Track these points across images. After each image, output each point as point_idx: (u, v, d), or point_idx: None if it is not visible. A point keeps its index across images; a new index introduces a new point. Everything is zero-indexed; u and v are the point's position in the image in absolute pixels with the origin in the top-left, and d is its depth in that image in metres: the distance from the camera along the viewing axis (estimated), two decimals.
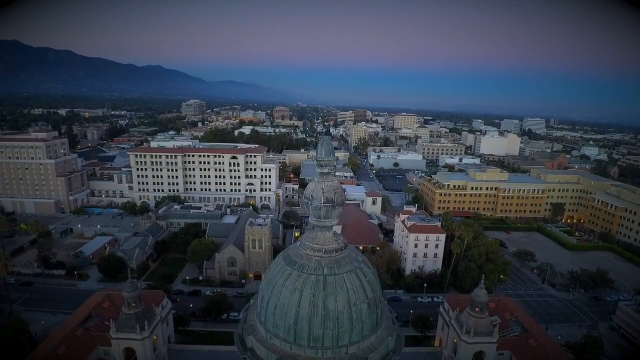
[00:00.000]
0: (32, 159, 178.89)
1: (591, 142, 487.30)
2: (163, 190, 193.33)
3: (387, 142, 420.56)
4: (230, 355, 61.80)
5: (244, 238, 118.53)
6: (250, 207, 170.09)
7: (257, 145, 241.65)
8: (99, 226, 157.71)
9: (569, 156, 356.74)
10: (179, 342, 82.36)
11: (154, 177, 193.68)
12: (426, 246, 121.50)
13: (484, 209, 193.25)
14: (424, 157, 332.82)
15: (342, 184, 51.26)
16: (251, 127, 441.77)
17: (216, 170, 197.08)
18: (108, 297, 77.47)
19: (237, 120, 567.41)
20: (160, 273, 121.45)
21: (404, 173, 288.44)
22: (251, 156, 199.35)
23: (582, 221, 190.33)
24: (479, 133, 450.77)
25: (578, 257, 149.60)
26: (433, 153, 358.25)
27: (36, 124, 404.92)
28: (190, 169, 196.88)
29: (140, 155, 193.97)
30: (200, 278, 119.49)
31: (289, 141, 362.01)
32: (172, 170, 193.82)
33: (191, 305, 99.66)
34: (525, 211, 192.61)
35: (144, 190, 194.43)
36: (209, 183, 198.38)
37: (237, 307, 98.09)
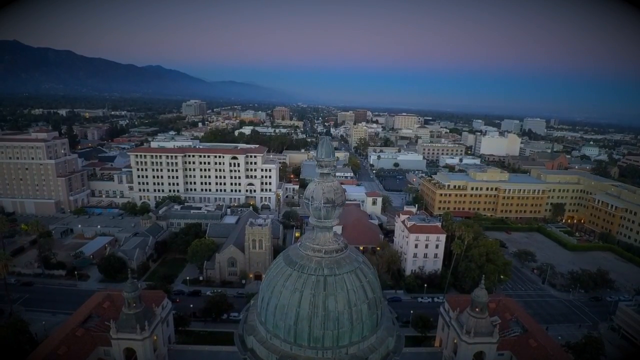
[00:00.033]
0: (32, 159, 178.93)
1: (591, 142, 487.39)
2: (163, 190, 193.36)
3: (387, 142, 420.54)
4: (230, 355, 61.87)
5: (244, 238, 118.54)
6: (250, 207, 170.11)
7: (257, 146, 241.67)
8: (99, 226, 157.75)
9: (569, 156, 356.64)
10: (179, 342, 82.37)
11: (154, 177, 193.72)
12: (426, 246, 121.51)
13: (484, 209, 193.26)
14: (424, 157, 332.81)
15: (342, 184, 51.30)
16: (251, 127, 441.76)
17: (216, 170, 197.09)
18: (108, 297, 77.48)
19: (237, 120, 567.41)
20: (160, 273, 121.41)
21: (404, 173, 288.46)
22: (251, 156, 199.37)
23: (582, 221, 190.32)
24: (479, 133, 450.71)
25: (578, 257, 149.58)
26: (433, 153, 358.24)
27: (36, 124, 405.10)
28: (190, 169, 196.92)
29: (140, 155, 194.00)
30: (200, 278, 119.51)
31: (289, 141, 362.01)
32: (172, 170, 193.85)
33: (191, 305, 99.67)
34: (525, 211, 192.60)
35: (144, 190, 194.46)
36: (209, 183, 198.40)
37: (237, 307, 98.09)
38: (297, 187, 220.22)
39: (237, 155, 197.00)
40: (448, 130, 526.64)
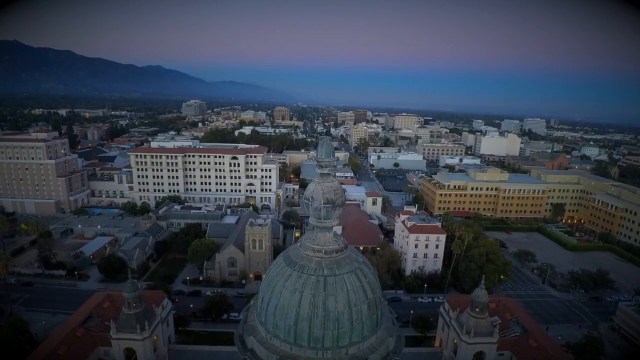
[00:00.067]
0: (32, 159, 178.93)
1: (591, 142, 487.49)
2: (163, 191, 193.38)
3: (387, 142, 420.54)
4: (230, 355, 61.88)
5: (244, 238, 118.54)
6: (251, 207, 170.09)
7: (257, 146, 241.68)
8: (99, 226, 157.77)
9: (569, 156, 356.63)
10: (179, 342, 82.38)
11: (154, 177, 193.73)
12: (426, 246, 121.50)
13: (484, 209, 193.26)
14: (424, 157, 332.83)
15: (342, 184, 51.28)
16: (251, 127, 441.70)
17: (216, 170, 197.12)
18: (108, 297, 77.48)
19: (237, 120, 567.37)
20: (160, 273, 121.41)
21: (404, 173, 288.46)
22: (251, 156, 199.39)
23: (582, 221, 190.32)
24: (479, 133, 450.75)
25: (578, 257, 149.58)
26: (433, 153, 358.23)
27: (36, 124, 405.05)
28: (190, 169, 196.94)
29: (141, 156, 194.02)
30: (200, 278, 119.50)
31: (289, 141, 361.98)
32: (172, 170, 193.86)
33: (191, 305, 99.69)
34: (525, 211, 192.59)
35: (144, 190, 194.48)
36: (209, 183, 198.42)
37: (237, 307, 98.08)
38: (297, 187, 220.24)
39: (237, 155, 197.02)
40: (448, 130, 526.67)
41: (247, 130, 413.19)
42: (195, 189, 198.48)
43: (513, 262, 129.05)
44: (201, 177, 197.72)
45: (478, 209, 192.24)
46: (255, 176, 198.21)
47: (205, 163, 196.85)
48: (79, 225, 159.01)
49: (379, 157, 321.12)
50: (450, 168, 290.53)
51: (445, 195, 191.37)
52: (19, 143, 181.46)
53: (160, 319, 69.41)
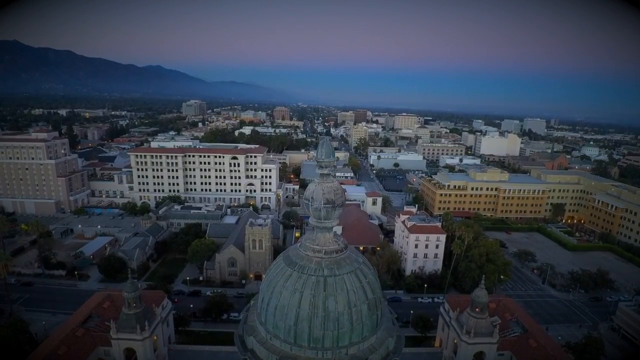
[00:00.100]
0: (33, 159, 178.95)
1: (591, 142, 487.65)
2: (163, 191, 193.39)
3: (387, 143, 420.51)
4: (230, 355, 61.91)
5: (244, 238, 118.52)
6: (251, 207, 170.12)
7: (257, 146, 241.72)
8: (99, 226, 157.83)
9: (569, 156, 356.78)
10: (179, 342, 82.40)
11: (154, 177, 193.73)
12: (426, 246, 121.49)
13: (484, 209, 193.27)
14: (424, 157, 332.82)
15: (342, 184, 51.29)
16: (251, 127, 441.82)
17: (216, 170, 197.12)
18: (108, 297, 77.51)
19: (237, 121, 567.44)
20: (160, 273, 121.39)
21: (404, 173, 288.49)
22: (251, 156, 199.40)
23: (582, 221, 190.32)
24: (479, 133, 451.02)
25: (578, 257, 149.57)
26: (433, 153, 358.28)
27: (36, 124, 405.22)
28: (190, 169, 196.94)
29: (141, 156, 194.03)
30: (200, 278, 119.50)
31: (289, 141, 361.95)
32: (172, 170, 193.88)
33: (191, 306, 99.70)
34: (525, 211, 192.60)
35: (144, 190, 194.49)
36: (209, 183, 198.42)
37: (237, 307, 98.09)
38: (297, 187, 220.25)
39: (237, 156, 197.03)
40: (448, 131, 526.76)
41: (247, 130, 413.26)
42: (195, 189, 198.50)
43: (513, 262, 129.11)
44: (201, 177, 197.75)
45: (478, 209, 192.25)
46: (255, 176, 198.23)
47: (205, 163, 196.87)
48: (79, 225, 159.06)
49: (379, 157, 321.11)
50: (450, 168, 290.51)
51: (445, 195, 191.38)
52: (19, 143, 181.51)
53: (160, 319, 69.44)
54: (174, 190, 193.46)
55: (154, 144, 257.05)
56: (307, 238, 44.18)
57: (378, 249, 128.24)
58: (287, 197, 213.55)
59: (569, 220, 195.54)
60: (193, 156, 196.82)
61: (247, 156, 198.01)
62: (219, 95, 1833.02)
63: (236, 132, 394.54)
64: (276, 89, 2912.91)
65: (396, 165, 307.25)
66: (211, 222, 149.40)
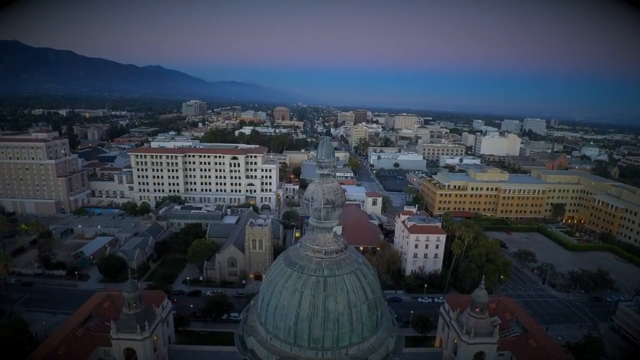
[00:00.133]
0: (33, 159, 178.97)
1: (591, 143, 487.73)
2: (163, 191, 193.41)
3: (387, 143, 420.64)
4: (231, 355, 61.88)
5: (244, 238, 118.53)
6: (251, 207, 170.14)
7: (257, 146, 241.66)
8: (99, 226, 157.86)
9: (569, 156, 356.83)
10: (179, 342, 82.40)
11: (154, 177, 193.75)
12: (426, 246, 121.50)
13: (484, 209, 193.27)
14: (424, 158, 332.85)
15: (342, 184, 51.33)
16: (251, 127, 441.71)
17: (216, 170, 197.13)
18: (108, 297, 77.52)
19: (238, 121, 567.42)
20: (160, 273, 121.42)
21: (404, 173, 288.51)
22: (251, 156, 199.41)
23: (583, 221, 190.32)
24: (479, 133, 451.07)
25: (578, 257, 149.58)
26: (433, 153, 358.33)
27: (36, 124, 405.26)
28: (190, 169, 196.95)
29: (141, 156, 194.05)
30: (201, 278, 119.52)
31: (289, 141, 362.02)
32: (173, 170, 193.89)
33: (191, 306, 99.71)
34: (525, 211, 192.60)
35: (144, 190, 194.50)
36: (209, 183, 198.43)
37: (237, 307, 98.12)
38: (297, 187, 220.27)
39: (237, 156, 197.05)
40: (448, 131, 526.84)
41: (247, 130, 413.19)
42: (195, 189, 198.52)
43: (513, 262, 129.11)
44: (201, 177, 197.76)
45: (478, 209, 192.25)
46: (256, 176, 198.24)
47: (205, 163, 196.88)
48: (79, 225, 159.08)
49: (379, 157, 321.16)
50: (451, 168, 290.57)
51: (446, 195, 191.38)
52: (19, 143, 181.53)
53: (161, 319, 69.44)
54: (174, 190, 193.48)
55: (154, 144, 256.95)
56: (307, 238, 44.19)
57: (378, 249, 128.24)
58: (287, 197, 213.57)
59: (569, 220, 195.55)
60: (193, 156, 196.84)
61: (247, 156, 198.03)
62: (219, 95, 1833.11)
63: (236, 132, 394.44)
64: (276, 89, 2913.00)
65: (396, 165, 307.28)
66: (211, 222, 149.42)
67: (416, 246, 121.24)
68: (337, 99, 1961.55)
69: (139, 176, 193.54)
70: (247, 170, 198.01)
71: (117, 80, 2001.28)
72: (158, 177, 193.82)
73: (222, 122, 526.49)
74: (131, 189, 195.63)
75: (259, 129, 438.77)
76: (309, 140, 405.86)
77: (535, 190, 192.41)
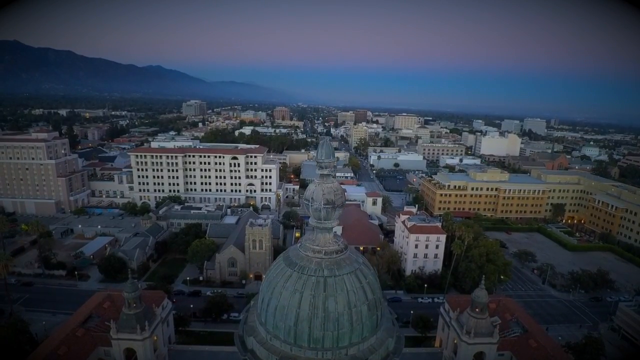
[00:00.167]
0: (33, 159, 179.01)
1: (591, 143, 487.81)
2: (163, 191, 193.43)
3: (387, 143, 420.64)
4: (231, 355, 61.88)
5: (244, 238, 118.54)
6: (251, 207, 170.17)
7: (257, 146, 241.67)
8: (99, 226, 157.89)
9: (569, 156, 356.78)
10: (179, 343, 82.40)
11: (154, 177, 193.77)
12: (426, 246, 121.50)
13: (484, 209, 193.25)
14: (424, 158, 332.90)
15: (342, 184, 51.35)
16: (251, 127, 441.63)
17: (216, 170, 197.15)
18: (108, 297, 77.54)
19: (238, 121, 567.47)
20: (160, 273, 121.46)
21: (404, 173, 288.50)
22: (251, 156, 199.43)
23: (583, 221, 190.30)
24: (479, 133, 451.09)
25: (578, 257, 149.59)
26: (433, 153, 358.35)
27: (36, 124, 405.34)
28: (190, 169, 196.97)
29: (141, 156, 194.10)
30: (201, 278, 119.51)
31: (289, 141, 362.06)
32: (173, 170, 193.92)
33: (191, 306, 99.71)
34: (525, 211, 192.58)
35: (144, 190, 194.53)
36: (209, 183, 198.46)
37: (237, 307, 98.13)
38: (297, 187, 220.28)
39: (237, 156, 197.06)
40: (448, 131, 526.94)
41: (247, 130, 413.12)
42: (195, 189, 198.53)
43: (513, 263, 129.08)
44: (201, 177, 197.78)
45: (478, 209, 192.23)
46: (256, 176, 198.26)
47: (205, 163, 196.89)
48: (79, 226, 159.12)
49: (379, 157, 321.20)
50: (451, 168, 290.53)
51: (446, 195, 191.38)
52: (19, 143, 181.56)
53: (161, 319, 69.47)
54: (174, 191, 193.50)
55: (154, 144, 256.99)
56: (307, 238, 44.21)
57: (378, 249, 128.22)
58: (287, 197, 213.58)
59: (569, 221, 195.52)
60: (193, 156, 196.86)
61: (247, 156, 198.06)
62: (219, 95, 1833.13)
63: (236, 132, 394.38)
64: (276, 89, 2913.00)
65: (396, 165, 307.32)
66: (211, 222, 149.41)
67: (416, 246, 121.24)
68: (337, 99, 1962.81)
69: (139, 176, 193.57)
70: (247, 170, 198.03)
71: (117, 80, 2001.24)
72: (158, 177, 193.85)
73: (222, 122, 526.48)
74: (131, 189, 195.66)
75: (259, 129, 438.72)
76: (309, 140, 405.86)
77: (535, 191, 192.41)
